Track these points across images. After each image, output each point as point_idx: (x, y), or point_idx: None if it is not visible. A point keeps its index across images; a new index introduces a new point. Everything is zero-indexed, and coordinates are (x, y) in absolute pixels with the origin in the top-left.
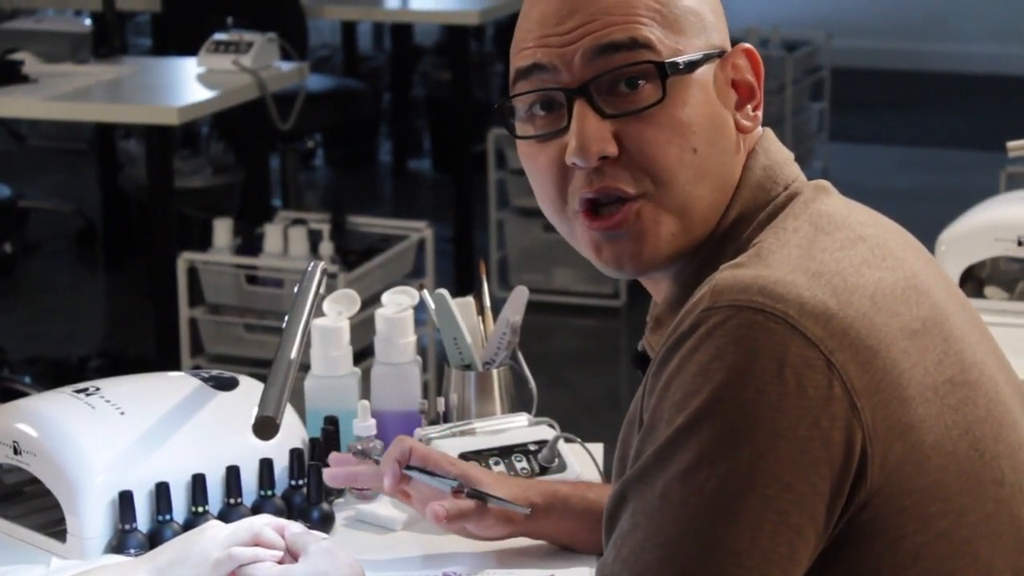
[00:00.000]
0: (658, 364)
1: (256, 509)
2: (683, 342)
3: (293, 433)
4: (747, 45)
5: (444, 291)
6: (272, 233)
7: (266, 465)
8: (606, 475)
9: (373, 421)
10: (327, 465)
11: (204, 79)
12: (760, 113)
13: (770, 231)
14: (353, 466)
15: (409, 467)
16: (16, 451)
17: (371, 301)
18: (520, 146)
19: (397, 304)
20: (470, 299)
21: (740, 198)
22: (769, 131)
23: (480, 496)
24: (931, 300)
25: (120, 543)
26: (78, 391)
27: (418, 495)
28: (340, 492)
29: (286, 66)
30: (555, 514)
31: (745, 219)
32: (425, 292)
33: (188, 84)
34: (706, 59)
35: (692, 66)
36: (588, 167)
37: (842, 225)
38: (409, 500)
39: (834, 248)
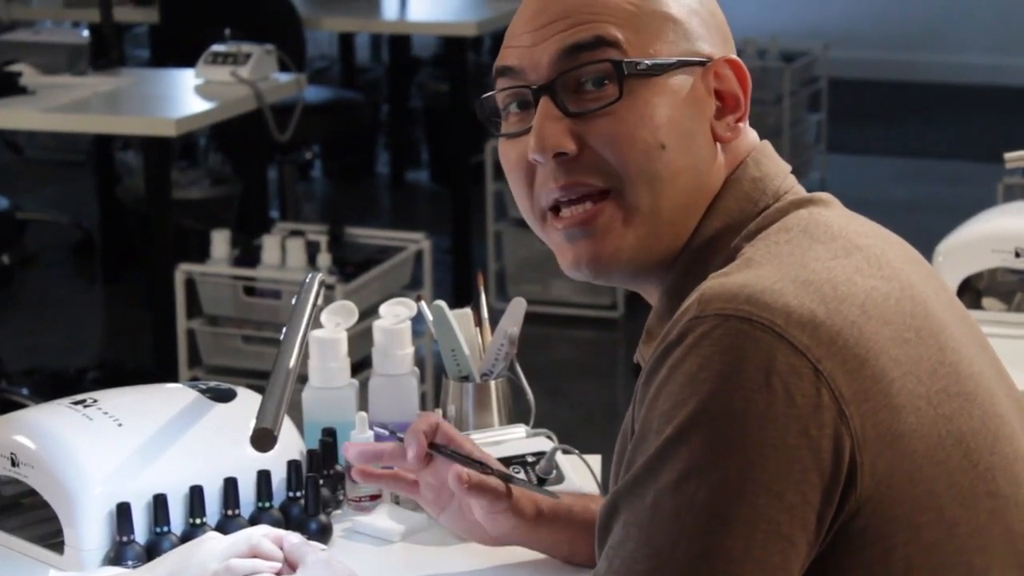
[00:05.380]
0: (647, 374)
1: (254, 521)
2: (671, 352)
3: (291, 445)
4: (734, 57)
5: (442, 302)
6: (270, 244)
7: (264, 477)
8: (604, 487)
9: (371, 433)
10: (324, 477)
11: (202, 90)
12: (743, 125)
13: (760, 241)
14: (376, 444)
15: (434, 445)
16: (14, 463)
17: (369, 312)
18: (499, 145)
19: (395, 315)
20: (468, 310)
21: (723, 208)
22: (766, 144)
23: (507, 478)
24: (927, 311)
25: (118, 555)
26: (76, 403)
27: (431, 481)
28: (338, 504)
29: (284, 77)
30: (559, 522)
31: (731, 229)
32: (423, 303)
33: (186, 96)
34: (681, 65)
35: (660, 69)
36: (546, 164)
37: (838, 235)
38: (414, 490)
39: (827, 257)
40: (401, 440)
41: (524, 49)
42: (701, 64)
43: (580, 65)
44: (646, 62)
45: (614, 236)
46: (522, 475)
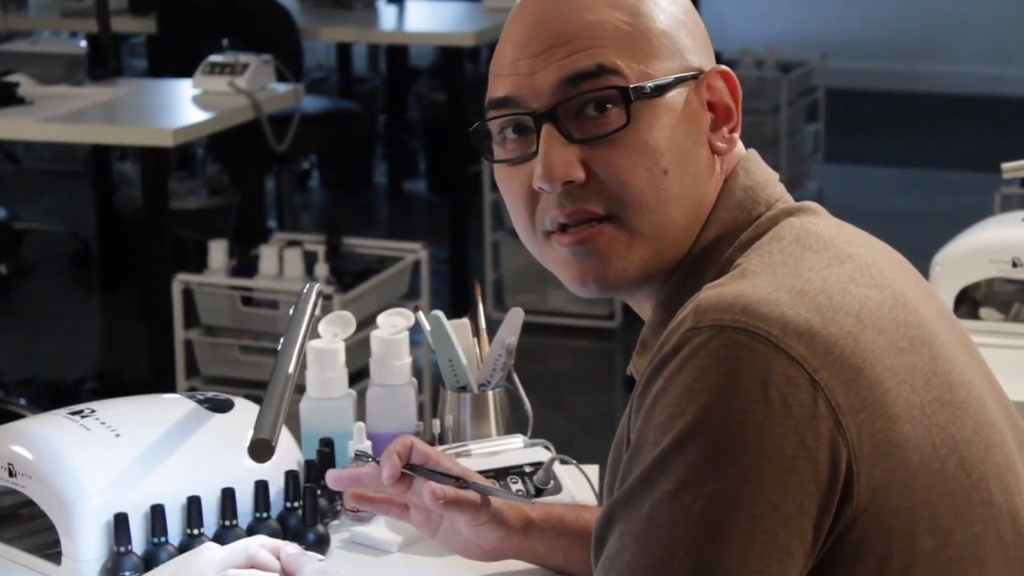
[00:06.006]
0: (643, 385)
1: (251, 531)
2: (667, 363)
3: (288, 455)
4: (723, 67)
5: (439, 312)
6: (267, 255)
7: (261, 487)
8: (601, 497)
9: (369, 443)
10: (323, 487)
11: (199, 101)
12: (737, 135)
13: (754, 251)
14: (354, 470)
15: (410, 466)
16: (11, 473)
17: (366, 323)
18: (496, 170)
19: (392, 326)
20: (465, 320)
21: (718, 219)
22: (753, 152)
23: (483, 490)
24: (919, 319)
25: (115, 566)
26: (73, 413)
27: (417, 502)
28: (336, 514)
29: (281, 88)
30: (550, 531)
31: (725, 239)
32: (420, 314)
33: (183, 106)
34: (677, 82)
35: (661, 90)
36: (554, 192)
37: (830, 244)
38: (407, 514)
39: (821, 267)
40: (379, 463)
41: (522, 77)
42: (694, 78)
43: (582, 93)
44: (648, 85)
45: (618, 256)
46: (519, 485)
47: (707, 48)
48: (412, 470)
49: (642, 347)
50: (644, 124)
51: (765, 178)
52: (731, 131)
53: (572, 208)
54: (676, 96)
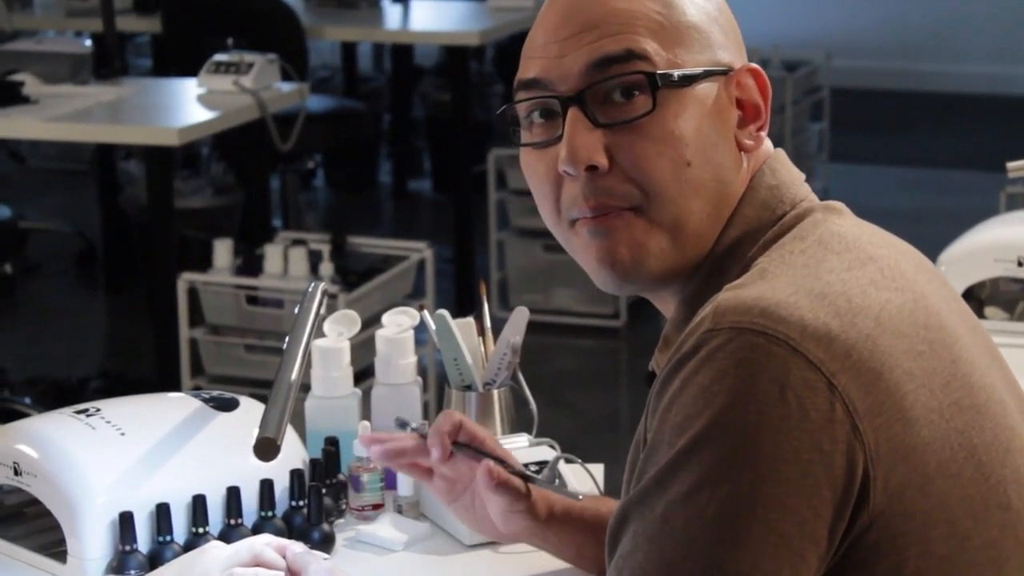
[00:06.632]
0: (660, 385)
1: (257, 530)
2: (685, 363)
3: (294, 454)
4: (755, 66)
5: (444, 312)
6: (272, 254)
7: (267, 486)
8: (606, 496)
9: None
10: (327, 486)
11: (204, 100)
12: (764, 134)
13: (775, 251)
14: (398, 441)
15: (457, 443)
16: (16, 472)
17: (371, 322)
18: (522, 155)
19: (397, 325)
20: (470, 320)
21: (742, 216)
22: (781, 152)
23: (528, 478)
24: (940, 322)
25: (120, 564)
26: (78, 412)
27: (448, 473)
28: (341, 513)
29: (286, 87)
30: (568, 523)
31: (749, 238)
32: (425, 313)
33: (188, 105)
34: (707, 75)
35: (689, 80)
36: (578, 176)
37: (852, 246)
38: (429, 479)
39: (841, 269)
40: (424, 437)
41: (551, 60)
42: (724, 73)
43: (610, 77)
44: (676, 74)
45: (638, 246)
46: None
47: (739, 47)
48: (458, 448)
49: (664, 343)
50: (670, 112)
51: (791, 178)
52: (758, 129)
53: (596, 202)
54: (705, 89)
